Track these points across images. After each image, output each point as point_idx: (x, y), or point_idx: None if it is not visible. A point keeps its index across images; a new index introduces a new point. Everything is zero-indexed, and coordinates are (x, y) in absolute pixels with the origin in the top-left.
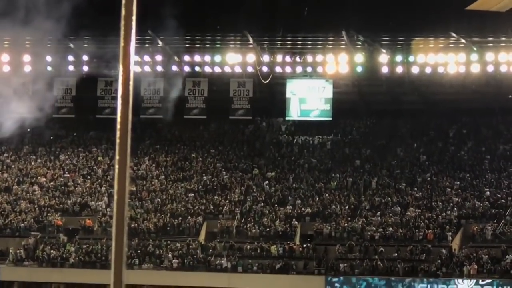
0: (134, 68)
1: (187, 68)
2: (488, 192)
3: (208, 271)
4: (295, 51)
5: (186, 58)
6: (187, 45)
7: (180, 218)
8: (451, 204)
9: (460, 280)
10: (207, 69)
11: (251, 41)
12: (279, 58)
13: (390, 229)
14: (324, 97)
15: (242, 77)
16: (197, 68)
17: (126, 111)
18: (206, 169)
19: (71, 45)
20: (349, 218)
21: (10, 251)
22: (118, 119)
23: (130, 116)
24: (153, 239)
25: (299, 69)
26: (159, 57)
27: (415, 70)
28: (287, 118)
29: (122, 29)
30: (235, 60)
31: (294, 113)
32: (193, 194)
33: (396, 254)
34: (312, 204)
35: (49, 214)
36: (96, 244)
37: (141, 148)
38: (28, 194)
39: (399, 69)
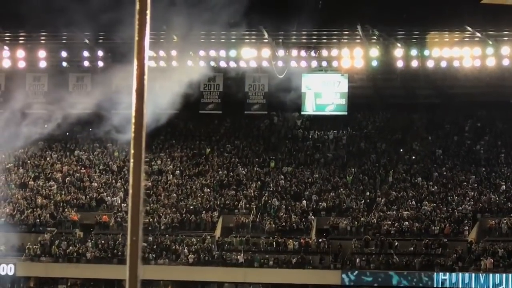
0: (149, 63)
1: (202, 63)
2: (504, 186)
3: (224, 266)
4: (310, 45)
5: (201, 53)
6: (202, 40)
7: (196, 213)
8: (467, 198)
9: None
10: (222, 64)
11: (266, 36)
12: (294, 52)
13: (406, 223)
14: (339, 91)
15: (257, 72)
16: (212, 63)
17: (141, 105)
18: (222, 164)
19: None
20: (365, 213)
21: (26, 247)
22: (133, 113)
23: (145, 111)
24: (169, 234)
25: (314, 63)
26: (174, 52)
27: (430, 64)
28: (302, 113)
29: (136, 24)
30: (250, 55)
31: (309, 108)
32: (209, 189)
33: (412, 248)
34: (328, 199)
35: (65, 209)
36: (112, 239)
37: (156, 143)
38: (44, 190)
39: (414, 63)
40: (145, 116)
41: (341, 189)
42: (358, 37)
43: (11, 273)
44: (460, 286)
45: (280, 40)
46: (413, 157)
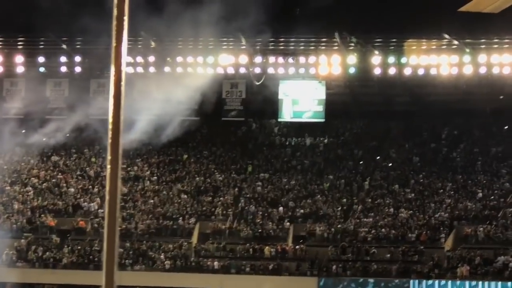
0: (126, 69)
1: (179, 69)
2: (480, 194)
3: (201, 272)
4: (288, 52)
5: (179, 59)
6: (179, 46)
7: (172, 220)
8: (444, 205)
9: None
10: (200, 70)
11: (243, 42)
12: (271, 59)
13: (383, 230)
14: (317, 98)
15: (234, 79)
16: (189, 70)
17: (118, 111)
18: (199, 170)
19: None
20: (342, 220)
21: (4, 252)
22: (110, 119)
23: (122, 117)
24: (146, 240)
25: (291, 70)
26: (152, 58)
27: (407, 71)
28: (279, 120)
29: (114, 30)
30: (227, 61)
31: (287, 115)
32: (185, 196)
33: (388, 255)
34: (304, 206)
35: (42, 215)
36: (89, 245)
37: (133, 149)
38: (20, 195)
39: (392, 71)
40: (122, 122)
41: (318, 196)
42: (336, 44)
43: None
44: None
45: (258, 47)
46: (390, 164)
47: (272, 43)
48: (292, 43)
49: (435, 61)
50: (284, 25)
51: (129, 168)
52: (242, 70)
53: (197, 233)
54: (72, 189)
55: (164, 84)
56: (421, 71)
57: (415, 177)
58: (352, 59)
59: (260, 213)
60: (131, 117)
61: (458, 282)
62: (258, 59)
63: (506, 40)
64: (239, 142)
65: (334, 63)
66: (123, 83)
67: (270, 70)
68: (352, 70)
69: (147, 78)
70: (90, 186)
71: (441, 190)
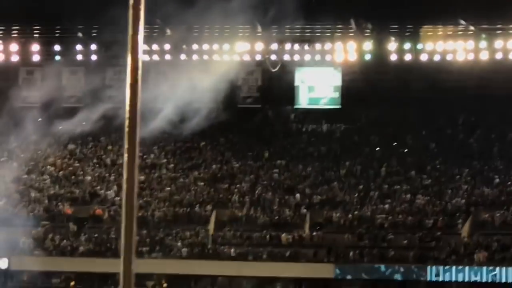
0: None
1: (195, 57)
2: (497, 179)
3: (218, 259)
4: (304, 39)
5: (195, 47)
6: (195, 34)
7: (189, 207)
8: (461, 191)
9: None
10: (216, 57)
11: (259, 29)
12: (287, 46)
13: (400, 216)
14: (333, 85)
15: (250, 66)
16: (205, 57)
17: (135, 100)
18: (215, 157)
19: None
20: (359, 206)
21: (21, 241)
22: (127, 108)
23: (138, 105)
24: (163, 228)
25: (307, 57)
26: (167, 46)
27: (423, 57)
28: (296, 107)
29: (130, 18)
30: (243, 48)
31: (303, 102)
32: (202, 183)
33: (405, 242)
34: (321, 192)
35: (58, 203)
36: (106, 233)
37: (150, 137)
38: (37, 184)
39: (408, 57)
40: (139, 110)
41: (335, 183)
42: (352, 30)
43: (4, 267)
44: (454, 279)
45: (274, 34)
46: (406, 151)
47: (288, 30)
48: (308, 29)
49: (451, 47)
50: (300, 12)
51: (145, 156)
52: (258, 57)
53: (214, 220)
54: (88, 177)
55: (181, 72)
56: (437, 57)
57: (432, 163)
58: (368, 45)
59: (277, 200)
60: (149, 106)
61: (475, 268)
62: (274, 46)
63: None
64: (256, 129)
65: (350, 49)
66: (139, 71)
67: (286, 57)
68: (368, 57)
69: (164, 65)
70: (107, 174)
71: (458, 176)
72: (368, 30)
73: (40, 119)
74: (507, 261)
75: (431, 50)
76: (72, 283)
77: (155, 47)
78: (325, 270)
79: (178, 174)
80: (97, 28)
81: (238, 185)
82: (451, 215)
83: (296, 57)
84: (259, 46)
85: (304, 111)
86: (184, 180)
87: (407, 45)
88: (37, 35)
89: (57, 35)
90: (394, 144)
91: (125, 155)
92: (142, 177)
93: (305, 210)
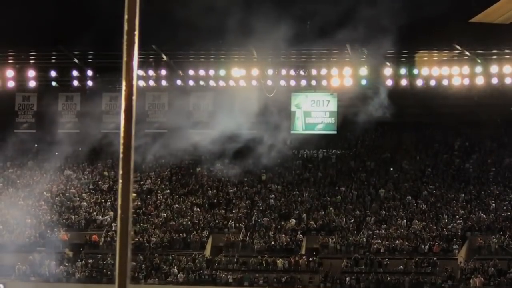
0: (138, 83)
1: (191, 82)
2: (493, 205)
3: (214, 285)
4: (299, 64)
5: (191, 72)
6: (191, 60)
7: (185, 233)
8: (457, 216)
9: None
10: (212, 83)
11: (255, 55)
12: (283, 71)
13: (396, 242)
14: (328, 110)
15: (246, 91)
16: (201, 82)
17: (129, 126)
18: (212, 183)
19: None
20: (355, 231)
21: (16, 266)
22: (121, 134)
23: (133, 131)
24: (159, 253)
25: (303, 82)
26: (163, 72)
27: (419, 83)
28: (292, 132)
29: (125, 44)
30: (239, 74)
31: (299, 127)
32: (198, 209)
33: (402, 267)
34: (317, 218)
35: (54, 229)
36: (102, 259)
37: (145, 163)
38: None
39: (403, 82)
40: (133, 136)
41: (331, 208)
42: (347, 56)
43: None
44: None
45: (269, 59)
46: (403, 176)
47: (284, 56)
48: (303, 55)
49: (446, 72)
50: (296, 37)
51: (141, 182)
52: (254, 83)
53: (210, 246)
54: (85, 203)
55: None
56: (432, 82)
57: (428, 188)
58: (364, 71)
59: (273, 225)
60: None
61: None
62: (270, 71)
63: None
64: (252, 154)
65: (345, 75)
66: (134, 97)
67: (282, 83)
68: (363, 82)
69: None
70: (103, 200)
71: (454, 201)
72: (363, 56)
73: (36, 145)
74: (503, 286)
75: (427, 75)
76: None
77: (150, 72)
78: None
79: (174, 200)
80: (93, 54)
81: (234, 211)
82: (447, 240)
83: (292, 83)
84: (255, 71)
85: (300, 136)
86: (180, 205)
87: (402, 70)
88: (33, 61)
89: (53, 61)
90: (390, 169)
91: (120, 181)
92: (138, 203)
93: (301, 236)
